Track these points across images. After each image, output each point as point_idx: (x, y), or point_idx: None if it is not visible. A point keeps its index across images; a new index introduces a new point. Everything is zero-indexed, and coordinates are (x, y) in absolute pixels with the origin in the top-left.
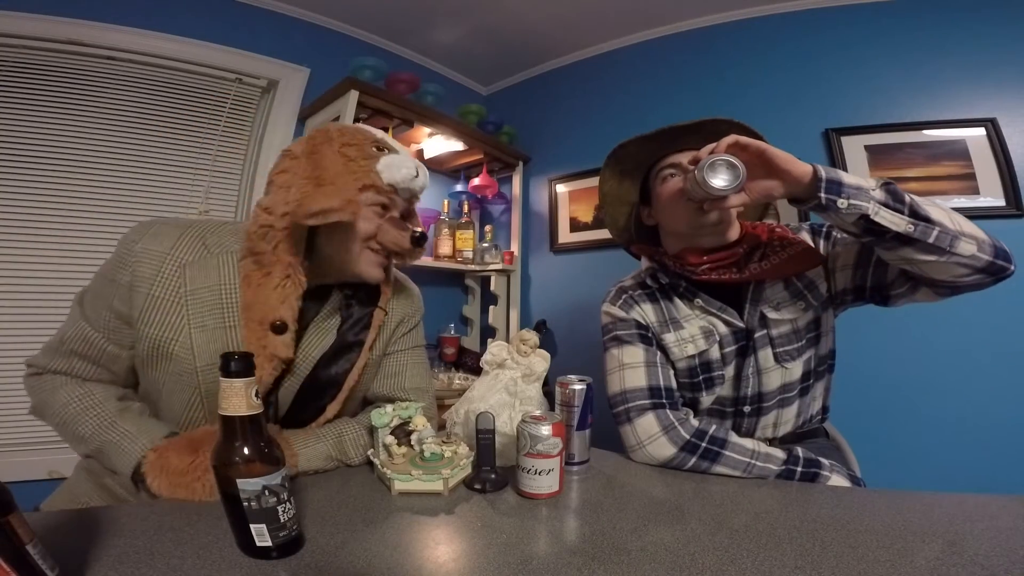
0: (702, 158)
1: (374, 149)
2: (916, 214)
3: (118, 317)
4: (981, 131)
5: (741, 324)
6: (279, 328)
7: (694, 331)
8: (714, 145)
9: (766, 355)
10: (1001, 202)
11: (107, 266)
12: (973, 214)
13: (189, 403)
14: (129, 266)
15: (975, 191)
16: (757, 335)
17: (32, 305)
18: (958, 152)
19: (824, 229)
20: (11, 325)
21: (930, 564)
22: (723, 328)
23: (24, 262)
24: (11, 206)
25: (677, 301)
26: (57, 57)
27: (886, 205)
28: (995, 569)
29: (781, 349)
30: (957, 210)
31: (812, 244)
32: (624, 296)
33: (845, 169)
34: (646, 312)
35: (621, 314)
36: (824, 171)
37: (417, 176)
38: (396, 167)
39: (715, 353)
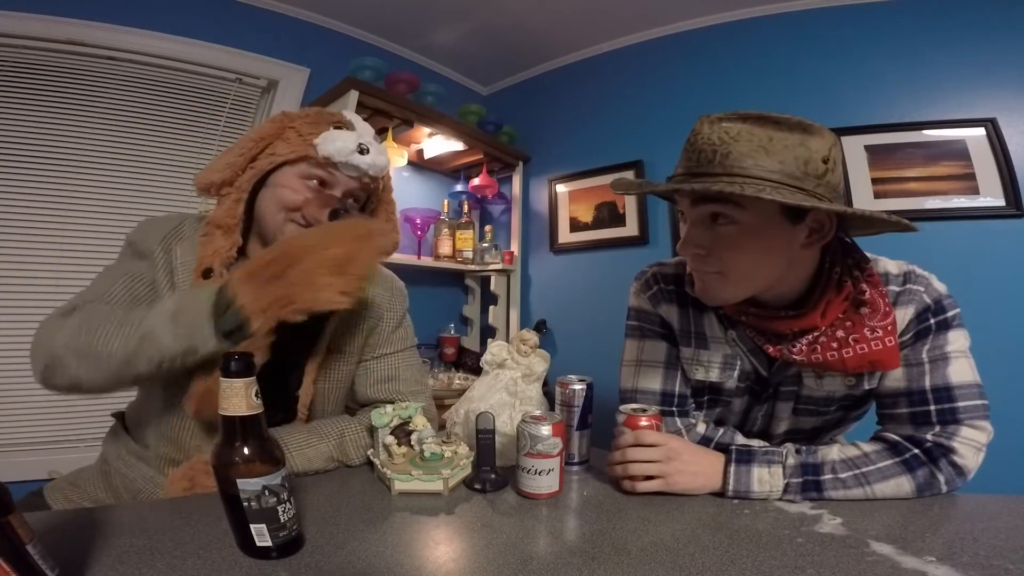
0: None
1: (331, 128)
2: (822, 499)
3: (133, 279)
4: (981, 131)
5: (765, 374)
6: (206, 274)
7: (715, 357)
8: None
9: (785, 407)
10: (1001, 202)
11: (119, 257)
12: (973, 214)
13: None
14: (135, 252)
15: (975, 191)
16: (783, 388)
17: (32, 305)
18: (958, 152)
19: (933, 324)
20: (11, 326)
21: (930, 564)
22: (748, 365)
23: (24, 262)
24: (11, 206)
25: (712, 317)
26: (57, 57)
27: (791, 501)
28: (995, 569)
29: (804, 407)
30: (956, 211)
31: (898, 339)
32: (655, 288)
33: (845, 170)
34: (671, 314)
35: (647, 307)
36: (732, 485)
37: (362, 153)
38: (332, 140)
39: (730, 384)
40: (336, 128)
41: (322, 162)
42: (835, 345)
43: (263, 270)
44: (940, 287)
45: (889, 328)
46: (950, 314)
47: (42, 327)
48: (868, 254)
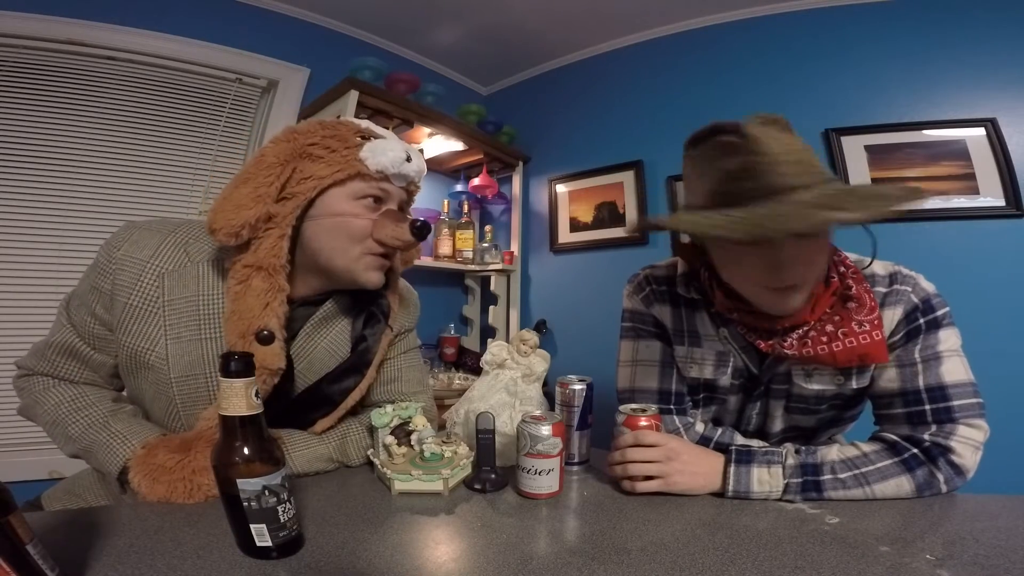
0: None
1: (358, 139)
2: (821, 499)
3: (101, 324)
4: (981, 131)
5: (756, 371)
6: (264, 338)
7: (708, 354)
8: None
9: (777, 405)
10: (1001, 202)
11: (90, 271)
12: (973, 214)
13: (168, 412)
14: (110, 274)
15: (975, 191)
16: (774, 387)
17: (32, 305)
18: (958, 152)
19: (922, 324)
20: (11, 326)
21: (930, 564)
22: (740, 362)
23: (23, 262)
24: (10, 206)
25: (704, 315)
26: (57, 57)
27: (790, 501)
28: (995, 569)
29: (795, 405)
30: (956, 211)
31: (886, 336)
32: (648, 290)
33: (844, 169)
34: (664, 314)
35: (640, 308)
36: (732, 486)
37: (409, 160)
38: (381, 150)
39: (724, 381)
40: (361, 138)
41: (376, 177)
42: (825, 339)
43: (165, 474)
44: (928, 286)
45: (875, 322)
46: (939, 313)
47: (18, 379)
48: (856, 255)
